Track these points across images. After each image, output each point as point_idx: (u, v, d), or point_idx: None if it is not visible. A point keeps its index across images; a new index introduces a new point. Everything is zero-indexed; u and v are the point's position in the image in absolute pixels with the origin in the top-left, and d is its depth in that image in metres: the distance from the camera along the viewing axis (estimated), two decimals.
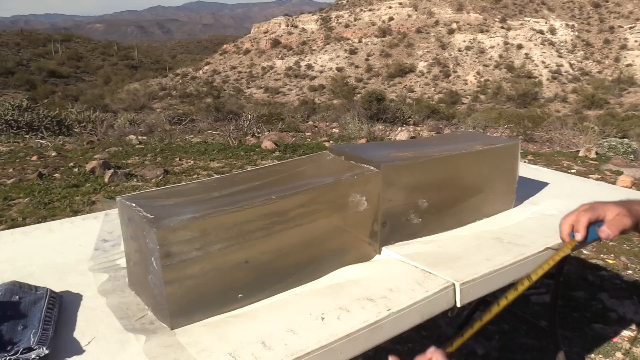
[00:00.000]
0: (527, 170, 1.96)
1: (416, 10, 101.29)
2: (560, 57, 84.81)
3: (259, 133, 8.93)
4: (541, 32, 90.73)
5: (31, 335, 0.82)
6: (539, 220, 1.45)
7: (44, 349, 0.80)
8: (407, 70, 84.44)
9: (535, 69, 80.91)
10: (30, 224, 2.27)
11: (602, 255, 3.37)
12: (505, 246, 1.27)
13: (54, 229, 1.41)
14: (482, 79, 79.70)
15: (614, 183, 4.94)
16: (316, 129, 11.04)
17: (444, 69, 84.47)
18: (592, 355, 2.25)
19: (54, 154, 5.89)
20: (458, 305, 1.09)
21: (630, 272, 3.15)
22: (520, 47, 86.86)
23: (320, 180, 1.13)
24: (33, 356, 0.79)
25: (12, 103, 9.28)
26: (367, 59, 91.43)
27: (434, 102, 45.81)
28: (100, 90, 61.87)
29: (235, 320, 0.96)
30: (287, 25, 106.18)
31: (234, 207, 0.98)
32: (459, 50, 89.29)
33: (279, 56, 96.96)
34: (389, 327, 0.98)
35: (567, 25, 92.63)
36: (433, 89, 77.81)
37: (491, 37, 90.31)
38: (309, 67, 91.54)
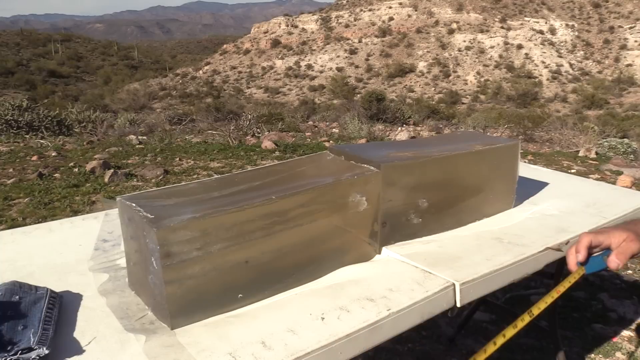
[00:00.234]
0: (527, 170, 1.95)
1: (416, 10, 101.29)
2: (560, 57, 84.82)
3: (259, 133, 8.93)
4: (541, 32, 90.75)
5: (31, 335, 0.82)
6: (539, 220, 1.45)
7: (44, 349, 0.80)
8: (407, 70, 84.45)
9: (535, 69, 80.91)
10: (30, 224, 2.27)
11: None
12: (505, 246, 1.27)
13: (54, 229, 1.41)
14: (482, 79, 79.69)
15: (614, 183, 4.94)
16: (316, 129, 11.04)
17: (444, 69, 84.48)
18: (592, 355, 2.25)
19: (54, 154, 5.89)
20: (458, 305, 1.09)
21: (630, 272, 3.16)
22: (520, 47, 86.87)
23: (320, 180, 1.13)
24: (33, 356, 0.79)
25: (12, 103, 9.28)
26: (367, 59, 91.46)
27: (434, 102, 45.79)
28: (100, 90, 61.91)
29: (235, 320, 0.96)
30: (287, 25, 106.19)
31: (234, 207, 0.98)
32: (459, 50, 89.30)
33: (279, 56, 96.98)
34: (389, 327, 0.97)
35: (567, 25, 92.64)
36: (433, 89, 77.81)
37: (491, 37, 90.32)
38: (309, 67, 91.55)
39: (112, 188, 4.45)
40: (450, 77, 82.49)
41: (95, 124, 9.45)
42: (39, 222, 2.40)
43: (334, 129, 10.91)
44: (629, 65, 79.94)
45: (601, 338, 2.37)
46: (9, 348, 0.79)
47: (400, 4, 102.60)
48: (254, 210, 0.99)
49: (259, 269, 1.02)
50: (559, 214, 1.49)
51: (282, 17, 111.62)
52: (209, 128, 10.32)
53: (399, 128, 11.53)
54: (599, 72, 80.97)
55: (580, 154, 7.25)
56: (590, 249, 0.92)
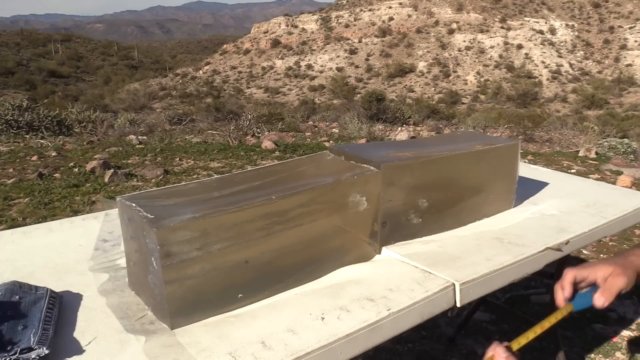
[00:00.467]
0: (527, 170, 1.96)
1: (416, 10, 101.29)
2: (560, 57, 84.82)
3: (259, 133, 8.93)
4: (541, 32, 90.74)
5: (31, 335, 0.82)
6: (539, 220, 1.45)
7: (44, 349, 0.80)
8: (407, 70, 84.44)
9: (535, 69, 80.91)
10: (30, 224, 2.27)
11: (602, 255, 3.37)
12: (505, 246, 1.27)
13: (54, 229, 1.41)
14: (482, 79, 79.69)
15: (614, 183, 4.94)
16: (316, 129, 11.04)
17: (444, 69, 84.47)
18: (592, 355, 2.25)
19: (54, 154, 5.89)
20: (458, 305, 1.09)
21: None
22: (520, 47, 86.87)
23: (320, 180, 1.13)
24: (33, 356, 0.79)
25: (12, 103, 9.28)
26: (367, 59, 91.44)
27: (434, 102, 45.76)
28: (100, 90, 61.91)
29: (235, 320, 0.96)
30: (287, 25, 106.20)
31: (234, 207, 0.98)
32: (459, 50, 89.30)
33: (279, 56, 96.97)
34: (389, 327, 0.98)
35: (567, 25, 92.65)
36: (433, 89, 77.81)
37: (491, 37, 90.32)
38: (309, 67, 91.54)
39: (112, 188, 4.45)
40: (450, 77, 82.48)
41: (95, 124, 9.45)
42: (39, 222, 2.40)
43: (334, 129, 10.91)
44: (629, 65, 79.93)
45: (601, 338, 2.37)
46: (9, 348, 0.79)
47: (400, 4, 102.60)
48: (254, 210, 0.99)
49: (259, 269, 1.02)
50: (558, 214, 1.49)
51: (282, 17, 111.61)
52: (209, 128, 10.32)
53: (399, 128, 11.52)
54: (599, 72, 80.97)
55: (580, 154, 7.25)
56: (576, 284, 0.88)
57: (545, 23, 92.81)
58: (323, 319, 0.95)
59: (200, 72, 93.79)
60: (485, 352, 0.78)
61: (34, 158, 5.61)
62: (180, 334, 0.91)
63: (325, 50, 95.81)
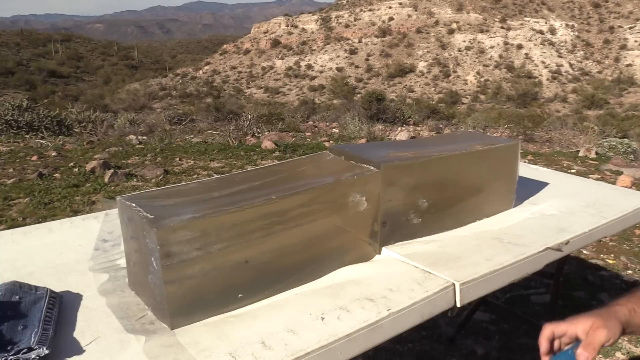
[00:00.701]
0: (527, 170, 1.96)
1: (416, 10, 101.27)
2: (560, 57, 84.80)
3: (259, 133, 8.93)
4: (541, 32, 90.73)
5: (31, 335, 0.82)
6: (539, 220, 1.45)
7: (44, 349, 0.80)
8: (407, 70, 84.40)
9: (535, 69, 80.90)
10: (30, 224, 2.27)
11: (602, 255, 3.37)
12: (505, 246, 1.27)
13: (54, 229, 1.41)
14: (482, 79, 79.68)
15: (614, 183, 4.94)
16: (316, 129, 11.04)
17: (444, 69, 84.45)
18: None
19: (54, 154, 5.89)
20: (458, 305, 1.09)
21: (630, 272, 3.16)
22: (520, 47, 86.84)
23: (320, 180, 1.13)
24: (33, 356, 0.79)
25: (12, 103, 9.27)
26: (367, 59, 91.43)
27: (434, 102, 45.74)
28: (100, 90, 61.88)
29: (235, 320, 0.96)
30: (287, 25, 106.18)
31: (234, 207, 0.98)
32: (459, 50, 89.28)
33: (279, 56, 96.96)
34: (389, 327, 0.97)
35: (567, 25, 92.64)
36: (433, 89, 77.79)
37: (491, 37, 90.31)
38: (309, 67, 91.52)
39: (112, 188, 4.45)
40: (450, 77, 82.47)
41: (95, 124, 9.44)
42: (39, 222, 2.40)
43: (334, 129, 10.91)
44: (629, 65, 79.90)
45: None
46: (9, 348, 0.79)
47: (400, 4, 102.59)
48: (254, 210, 0.99)
49: (259, 269, 1.02)
50: (559, 214, 1.49)
51: (282, 17, 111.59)
52: (209, 128, 10.31)
53: (399, 128, 11.52)
54: (599, 72, 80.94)
55: (580, 154, 7.25)
56: (556, 339, 0.84)
57: (545, 23, 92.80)
58: (323, 319, 0.95)
59: (200, 72, 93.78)
60: None
61: (34, 158, 5.61)
62: (180, 334, 0.91)
63: (325, 50, 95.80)
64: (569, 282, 2.93)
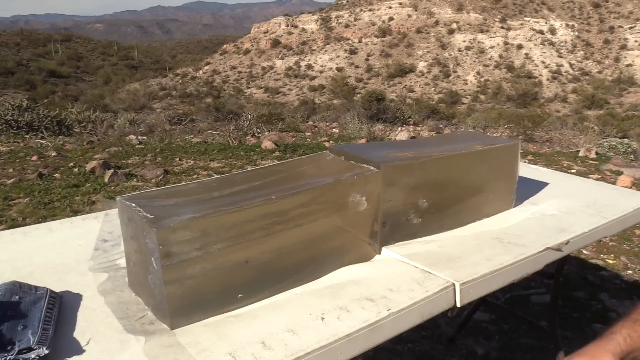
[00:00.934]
0: (527, 170, 1.96)
1: (416, 10, 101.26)
2: (560, 57, 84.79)
3: (259, 133, 8.92)
4: (541, 32, 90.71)
5: (31, 335, 0.82)
6: (539, 220, 1.45)
7: (44, 349, 0.80)
8: (407, 70, 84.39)
9: (535, 69, 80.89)
10: (30, 224, 2.27)
11: (602, 255, 3.37)
12: (505, 246, 1.27)
13: (54, 229, 1.41)
14: (482, 79, 79.67)
15: (614, 183, 4.94)
16: (316, 129, 11.04)
17: (444, 69, 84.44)
18: None
19: (54, 154, 5.89)
20: (458, 305, 1.09)
21: (630, 272, 3.15)
22: (520, 47, 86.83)
23: (320, 180, 1.13)
24: (33, 356, 0.79)
25: (12, 103, 9.27)
26: (367, 59, 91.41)
27: (434, 102, 45.70)
28: (100, 90, 61.89)
29: (235, 320, 0.96)
30: (287, 25, 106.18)
31: (234, 207, 0.98)
32: (459, 50, 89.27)
33: (279, 56, 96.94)
34: (389, 327, 0.97)
35: (567, 25, 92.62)
36: (433, 89, 77.78)
37: (491, 37, 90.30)
38: (309, 67, 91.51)
39: (112, 188, 4.45)
40: (450, 77, 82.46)
41: (95, 124, 9.44)
42: (39, 222, 2.40)
43: (334, 129, 10.91)
44: (629, 65, 79.88)
45: None
46: (9, 348, 0.79)
47: (400, 4, 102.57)
48: (254, 210, 0.99)
49: (259, 269, 1.02)
50: (559, 214, 1.49)
51: (282, 17, 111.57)
52: (209, 128, 10.31)
53: (399, 128, 11.52)
54: (599, 72, 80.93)
55: (580, 154, 7.25)
56: None
57: (545, 23, 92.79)
58: (323, 319, 0.95)
59: (200, 72, 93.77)
60: None
61: (34, 158, 5.61)
62: (180, 334, 0.91)
63: (325, 50, 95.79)
64: (569, 282, 2.93)
